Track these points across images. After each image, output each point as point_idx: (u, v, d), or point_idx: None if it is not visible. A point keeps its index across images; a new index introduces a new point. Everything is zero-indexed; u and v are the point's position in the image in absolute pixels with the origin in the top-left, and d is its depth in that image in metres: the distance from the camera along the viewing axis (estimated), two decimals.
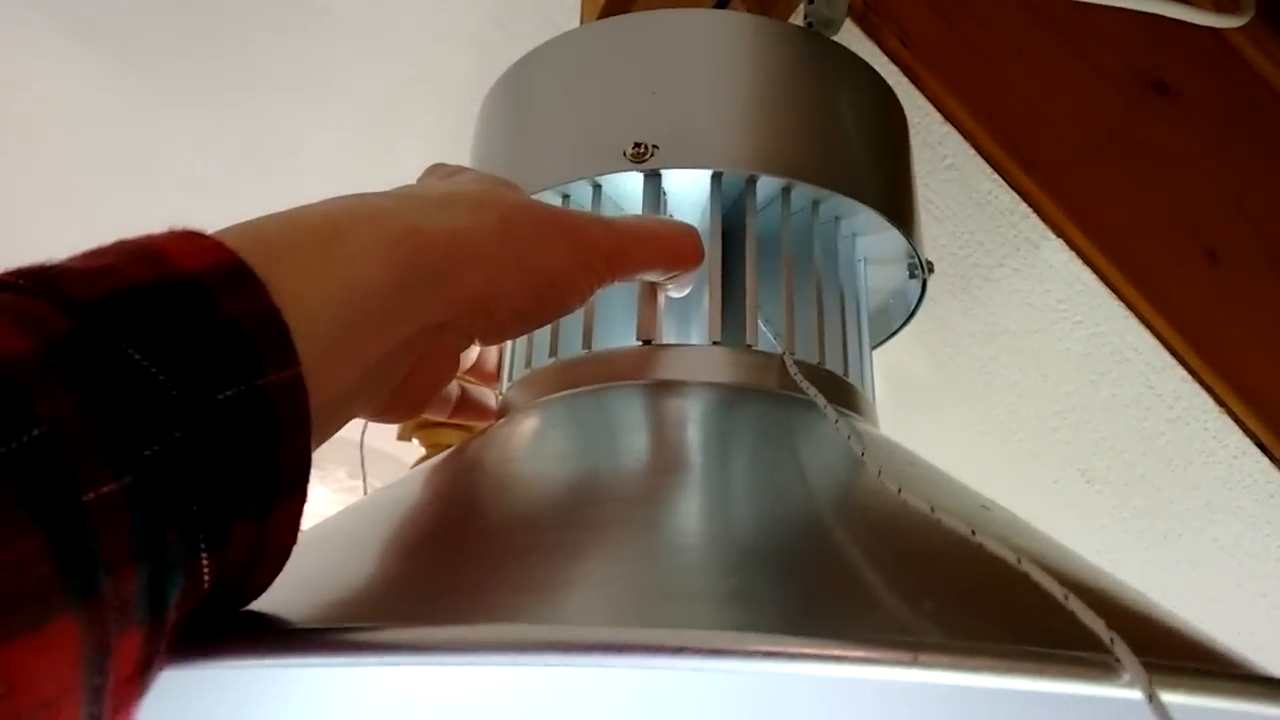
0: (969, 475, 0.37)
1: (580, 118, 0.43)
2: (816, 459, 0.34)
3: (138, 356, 0.20)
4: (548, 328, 0.40)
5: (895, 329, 0.52)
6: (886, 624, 0.23)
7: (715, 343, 0.39)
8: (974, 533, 0.25)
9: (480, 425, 0.44)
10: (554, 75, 0.45)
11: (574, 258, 0.33)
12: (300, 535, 0.25)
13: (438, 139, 0.97)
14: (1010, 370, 0.90)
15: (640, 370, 0.39)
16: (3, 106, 1.04)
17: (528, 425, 0.39)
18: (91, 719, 0.18)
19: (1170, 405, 0.83)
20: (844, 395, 0.41)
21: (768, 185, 0.42)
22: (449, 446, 0.60)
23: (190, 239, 0.23)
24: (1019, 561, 0.23)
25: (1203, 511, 0.90)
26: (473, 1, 0.84)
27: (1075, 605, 0.21)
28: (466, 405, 0.43)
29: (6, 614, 0.16)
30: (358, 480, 0.86)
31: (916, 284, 0.48)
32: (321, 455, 0.27)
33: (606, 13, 0.58)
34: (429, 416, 0.40)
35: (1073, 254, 0.76)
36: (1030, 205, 0.75)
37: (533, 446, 0.37)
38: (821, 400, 0.35)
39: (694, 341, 0.42)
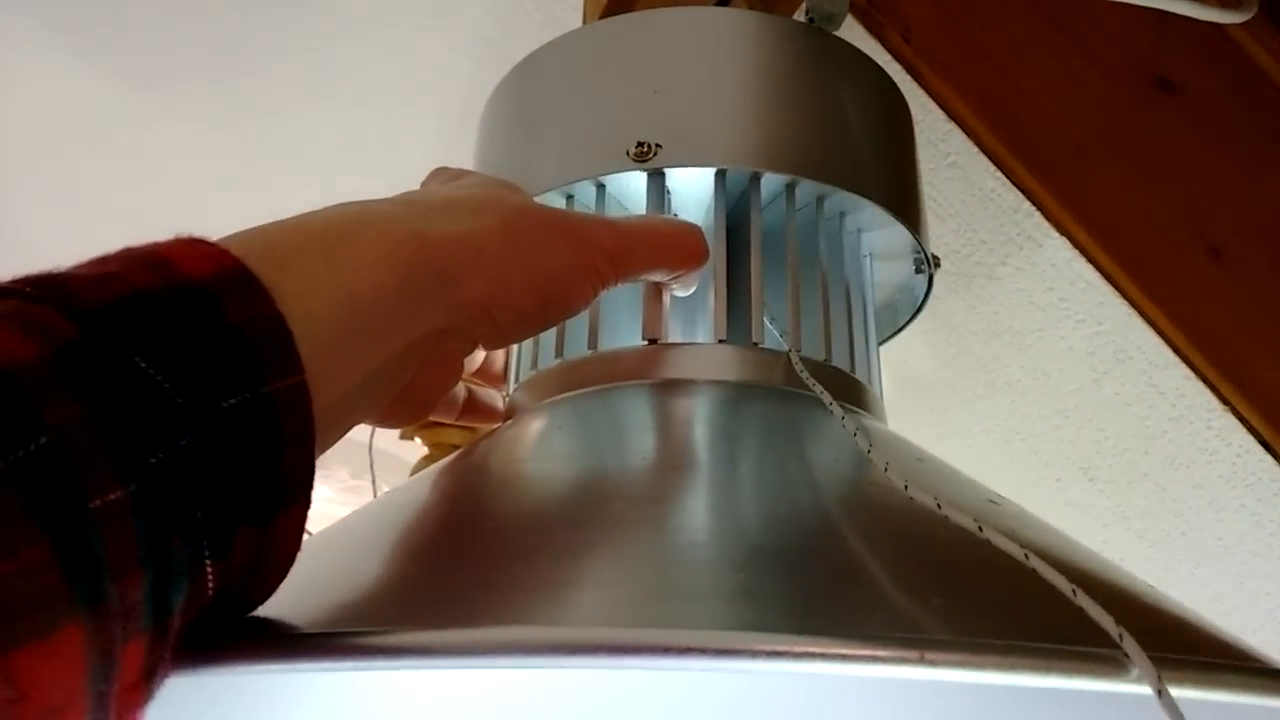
0: (971, 473, 0.37)
1: (583, 117, 0.43)
2: (823, 456, 0.34)
3: (143, 364, 0.20)
4: (553, 329, 0.40)
5: (902, 324, 0.52)
6: (894, 621, 0.23)
7: (721, 341, 0.39)
8: (981, 528, 0.25)
9: (487, 427, 0.44)
10: (557, 75, 0.45)
11: (578, 260, 0.33)
12: (308, 538, 0.25)
13: (441, 138, 0.97)
14: (1013, 368, 0.89)
15: (646, 370, 0.39)
16: (2, 107, 1.04)
17: (534, 426, 0.39)
18: None
19: (1173, 403, 0.83)
20: (851, 392, 0.41)
21: (772, 182, 0.42)
22: (452, 445, 0.60)
23: (195, 245, 0.23)
24: (1026, 557, 0.23)
25: (1206, 510, 0.90)
26: (475, 1, 0.84)
27: (1083, 601, 0.21)
28: (473, 407, 0.43)
29: (14, 621, 0.16)
30: (361, 480, 0.86)
31: (923, 279, 0.48)
32: (325, 455, 0.27)
33: (609, 11, 0.58)
34: (435, 418, 0.40)
35: (1076, 252, 0.76)
36: (1033, 203, 0.75)
37: (540, 447, 0.37)
38: (828, 397, 0.35)
39: (700, 340, 0.42)
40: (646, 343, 0.39)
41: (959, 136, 0.74)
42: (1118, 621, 0.20)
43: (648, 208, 0.41)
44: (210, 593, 0.22)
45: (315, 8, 0.87)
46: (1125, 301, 0.76)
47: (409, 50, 0.89)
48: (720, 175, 0.41)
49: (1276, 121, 0.67)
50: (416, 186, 0.37)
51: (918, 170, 0.48)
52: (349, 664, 0.22)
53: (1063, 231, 0.75)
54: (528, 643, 0.21)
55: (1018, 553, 0.23)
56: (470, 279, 0.29)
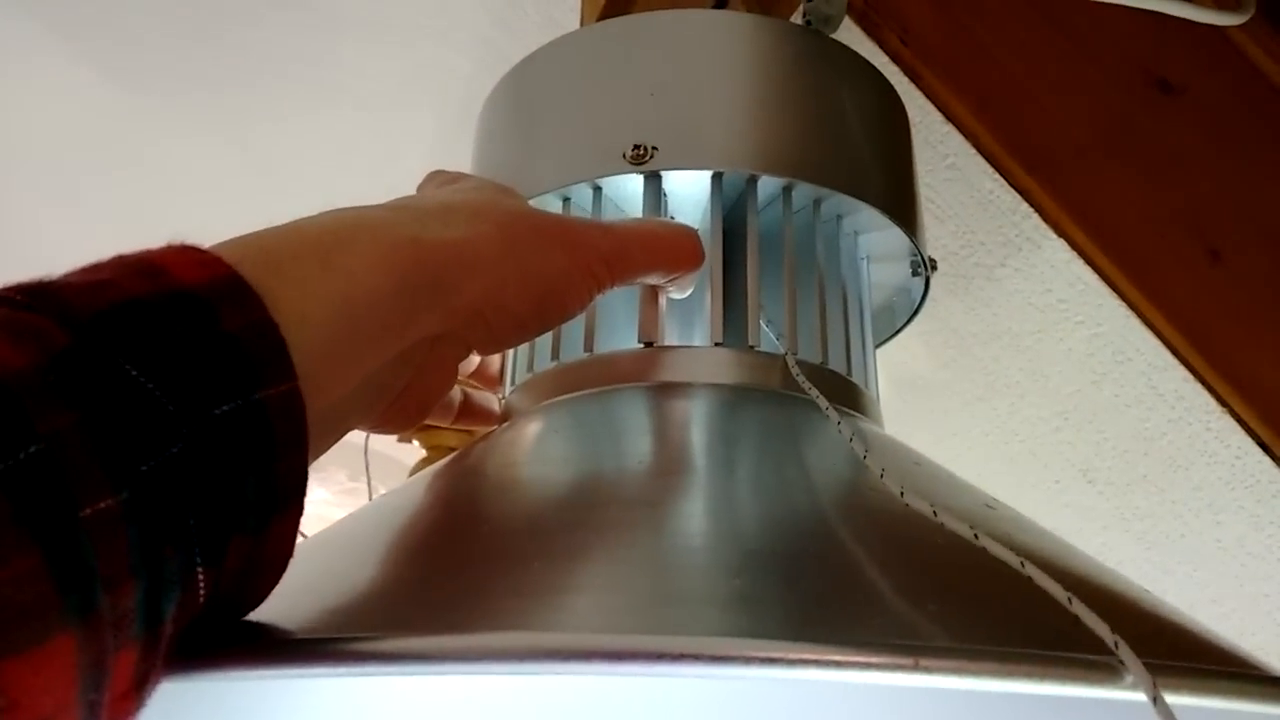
0: (971, 475, 0.37)
1: (580, 120, 0.43)
2: (820, 460, 0.34)
3: (135, 372, 0.20)
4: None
5: (899, 327, 0.52)
6: (890, 627, 0.23)
7: (717, 344, 0.39)
8: (977, 535, 0.25)
9: (483, 429, 0.44)
10: (554, 77, 0.45)
11: (573, 264, 0.33)
12: (303, 542, 0.24)
13: (439, 139, 0.97)
14: (1012, 370, 0.89)
15: (643, 372, 0.39)
16: (5, 110, 1.04)
17: (530, 429, 0.39)
18: None
19: (1172, 405, 0.83)
20: (847, 395, 0.41)
21: (768, 185, 0.42)
22: (449, 447, 0.60)
23: (189, 253, 0.23)
24: (1022, 565, 0.23)
25: (1205, 512, 0.90)
26: (475, 2, 0.84)
27: (1079, 608, 0.21)
28: (469, 410, 0.43)
29: (6, 630, 0.16)
30: (358, 483, 0.86)
31: (920, 281, 0.48)
32: (321, 458, 0.27)
33: (607, 13, 0.58)
34: (431, 421, 0.40)
35: (1075, 253, 0.76)
36: (1032, 204, 0.75)
37: (536, 450, 0.37)
38: (824, 402, 0.35)
39: (696, 343, 0.42)
40: (643, 345, 0.39)
41: (957, 138, 0.74)
42: (1113, 629, 0.20)
43: (644, 210, 0.41)
44: (202, 600, 0.22)
45: (315, 11, 0.87)
46: (1124, 303, 0.76)
47: (408, 52, 0.90)
48: (717, 178, 0.41)
49: (1275, 122, 0.67)
50: (415, 189, 0.37)
51: (915, 173, 0.48)
52: (345, 670, 0.22)
53: (1061, 233, 0.75)
54: (524, 649, 0.21)
55: (1013, 560, 0.23)
56: (466, 285, 0.29)
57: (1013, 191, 0.75)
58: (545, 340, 0.41)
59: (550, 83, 0.45)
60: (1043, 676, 0.19)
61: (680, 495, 0.31)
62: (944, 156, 0.76)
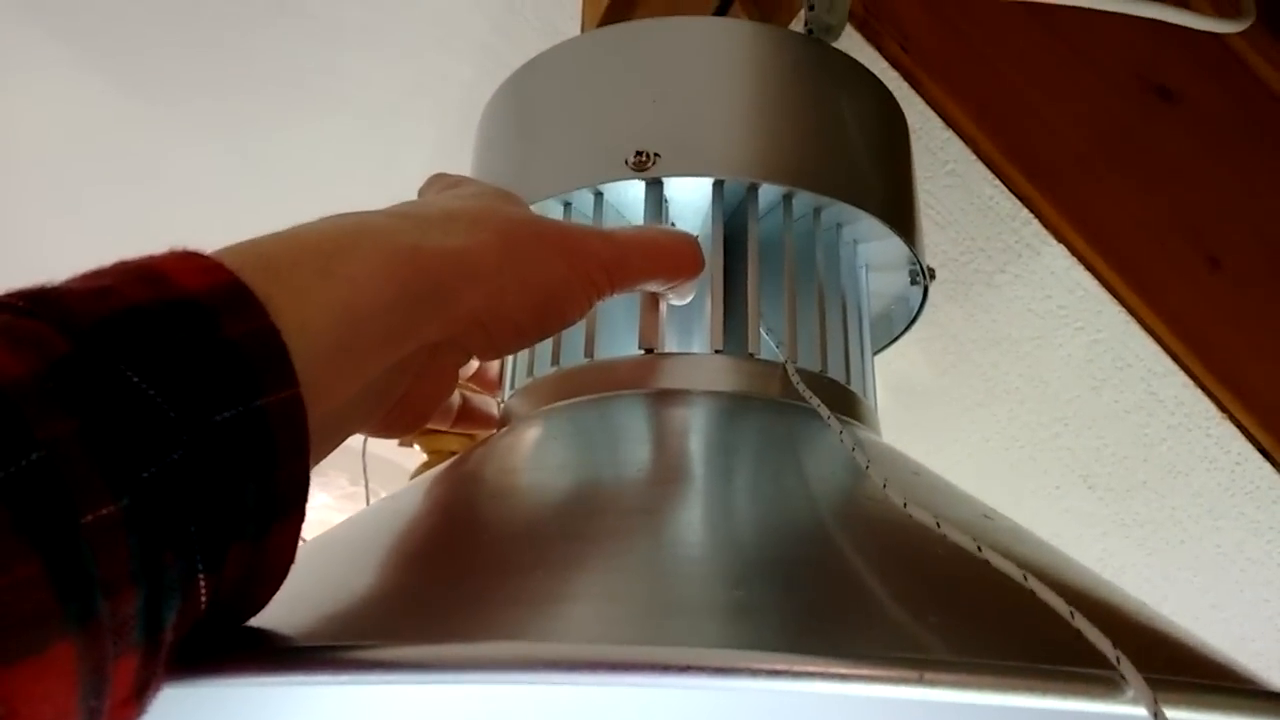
0: (970, 481, 0.37)
1: (582, 126, 0.43)
2: (820, 469, 0.34)
3: (136, 379, 0.20)
4: None
5: (897, 335, 0.52)
6: (892, 639, 0.23)
7: (717, 351, 0.39)
8: (980, 548, 0.24)
9: (482, 433, 0.44)
10: (555, 83, 0.45)
11: (573, 272, 0.33)
12: (301, 546, 0.24)
13: (440, 146, 0.97)
14: (1011, 376, 0.89)
15: (642, 379, 0.39)
16: (4, 114, 1.04)
17: (530, 435, 0.38)
18: None
19: (1172, 411, 0.83)
20: (846, 403, 0.41)
21: (769, 193, 0.42)
22: (450, 452, 0.60)
23: (190, 259, 0.23)
24: (1025, 578, 0.23)
25: (1205, 518, 0.90)
26: (475, 8, 0.84)
27: (1081, 623, 0.21)
28: (468, 414, 0.43)
29: (5, 638, 0.16)
30: (359, 487, 0.86)
31: (918, 290, 0.48)
32: (324, 462, 0.27)
33: (607, 20, 0.58)
34: (430, 426, 0.39)
35: (1074, 260, 0.76)
36: (1032, 211, 0.75)
37: (535, 456, 0.37)
38: (825, 411, 0.35)
39: (696, 350, 0.42)
40: (643, 352, 0.39)
41: (957, 144, 0.74)
42: (1115, 644, 0.20)
43: (645, 217, 0.41)
44: (203, 606, 0.21)
45: (316, 18, 0.87)
46: (1124, 309, 0.76)
47: (409, 59, 0.90)
48: (718, 185, 0.41)
49: (1275, 129, 0.67)
50: (416, 194, 0.37)
51: (914, 182, 0.48)
52: (345, 678, 0.22)
53: (1061, 239, 0.75)
54: (525, 659, 0.21)
55: (1016, 573, 0.23)
56: (466, 293, 0.29)
57: (1012, 198, 0.75)
58: (545, 345, 0.41)
59: (551, 88, 0.45)
60: (1045, 691, 0.19)
61: (679, 504, 0.31)
62: (944, 163, 0.76)
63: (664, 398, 0.38)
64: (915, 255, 0.45)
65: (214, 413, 0.21)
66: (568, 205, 0.43)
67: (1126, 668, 0.19)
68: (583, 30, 0.64)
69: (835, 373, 0.41)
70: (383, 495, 0.42)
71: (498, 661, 0.21)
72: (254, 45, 0.91)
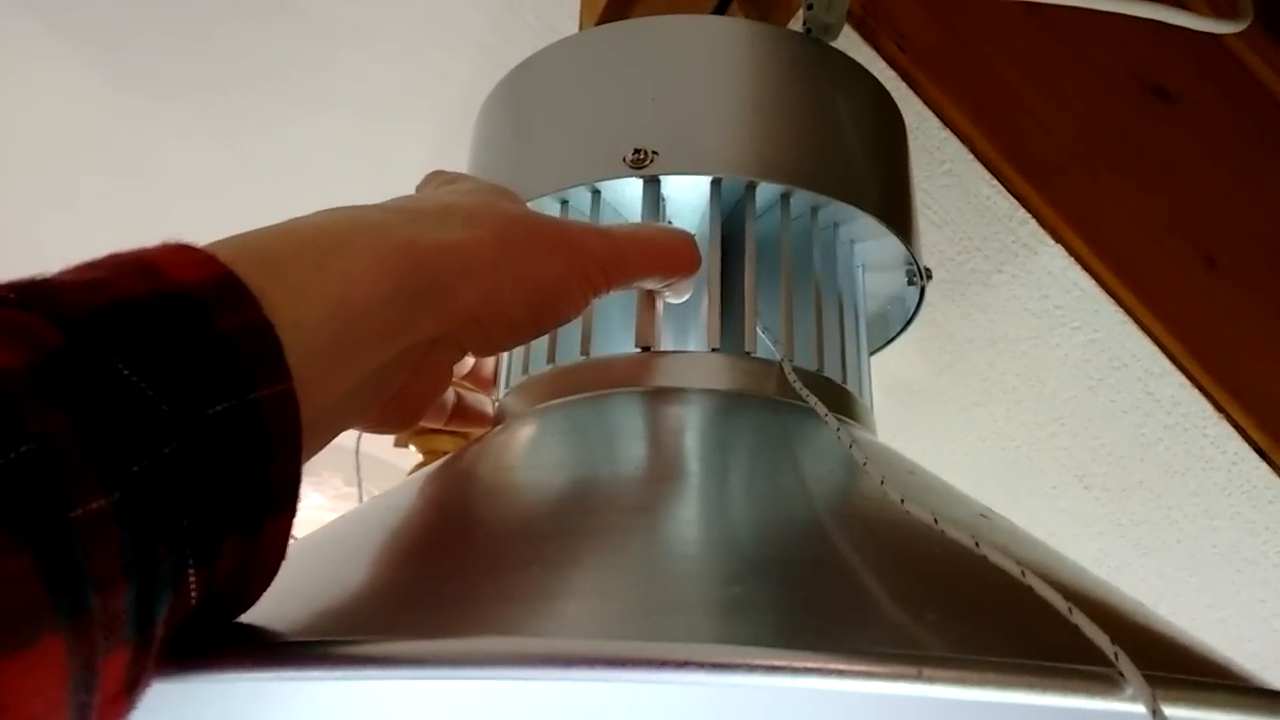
0: (967, 481, 0.37)
1: (580, 123, 0.42)
2: (816, 467, 0.34)
3: (128, 372, 0.20)
4: None
5: (893, 335, 0.52)
6: (889, 636, 0.23)
7: (714, 349, 0.39)
8: (978, 544, 0.24)
9: (477, 431, 0.44)
10: (553, 81, 0.45)
11: (570, 269, 0.32)
12: (293, 543, 0.24)
13: (437, 144, 0.97)
14: (1008, 376, 0.89)
15: (638, 377, 0.39)
16: (4, 111, 1.04)
17: (525, 432, 0.38)
18: None
19: (1169, 411, 0.83)
20: (842, 402, 0.41)
21: (767, 191, 0.41)
22: (445, 451, 0.59)
23: (184, 252, 0.23)
24: (1023, 574, 0.23)
25: (1201, 518, 0.90)
26: (472, 6, 0.84)
27: (1079, 619, 0.21)
28: (462, 412, 0.43)
29: None
30: (353, 487, 0.86)
31: (915, 291, 0.48)
32: (317, 462, 0.27)
33: (605, 18, 0.58)
34: (424, 423, 0.39)
35: (1071, 260, 0.76)
36: (1029, 210, 0.75)
37: (530, 454, 0.37)
38: (822, 409, 0.35)
39: (692, 348, 0.42)
40: (639, 350, 0.39)
41: (954, 144, 0.74)
42: (1112, 640, 0.20)
43: (643, 214, 0.41)
44: (194, 601, 0.21)
45: (313, 15, 0.87)
46: (1120, 309, 0.76)
47: (406, 56, 0.89)
48: (716, 184, 0.41)
49: (1272, 130, 0.67)
50: (413, 190, 0.37)
51: (911, 182, 0.48)
52: (337, 673, 0.22)
53: (1058, 239, 0.75)
54: (522, 654, 0.21)
55: (1014, 570, 0.23)
56: (462, 289, 0.29)
57: (1009, 198, 0.75)
58: (541, 343, 0.41)
59: (549, 86, 0.45)
60: (1044, 688, 0.19)
61: (675, 501, 0.31)
62: (941, 163, 0.76)
63: (660, 396, 0.38)
64: (912, 255, 0.45)
65: (207, 406, 0.21)
66: (565, 203, 0.42)
67: (1125, 664, 0.19)
68: (580, 28, 0.64)
69: (832, 372, 0.41)
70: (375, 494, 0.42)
71: (495, 657, 0.21)
72: (250, 41, 0.91)
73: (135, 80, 0.97)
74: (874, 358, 0.51)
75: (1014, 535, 0.32)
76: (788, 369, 0.38)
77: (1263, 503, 0.86)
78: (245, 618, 0.24)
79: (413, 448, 0.77)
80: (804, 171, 0.41)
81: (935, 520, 0.26)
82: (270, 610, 0.24)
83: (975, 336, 0.87)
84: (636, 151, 0.40)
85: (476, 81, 0.88)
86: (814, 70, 0.44)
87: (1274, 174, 0.68)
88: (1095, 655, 0.20)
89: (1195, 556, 0.94)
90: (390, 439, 0.74)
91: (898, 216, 0.44)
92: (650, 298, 0.40)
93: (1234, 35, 0.63)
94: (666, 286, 0.38)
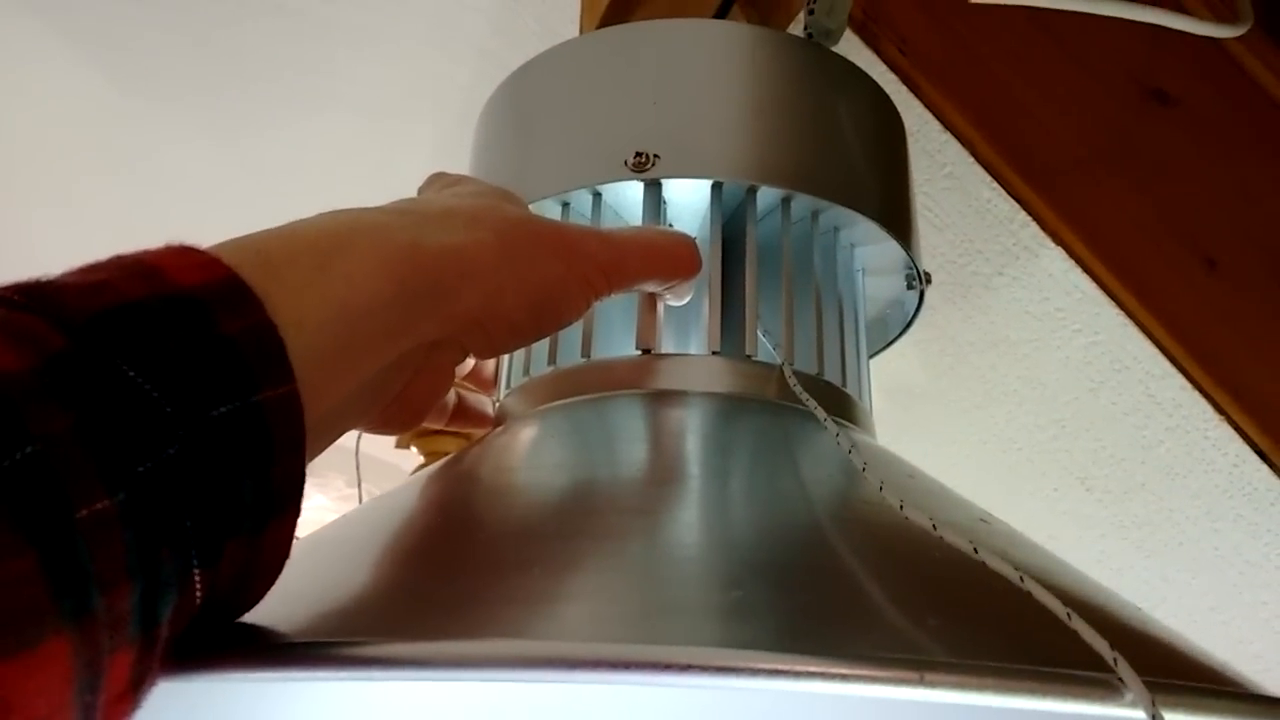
0: (968, 483, 0.37)
1: (581, 126, 0.43)
2: (816, 471, 0.34)
3: (132, 373, 0.20)
4: None
5: (892, 339, 0.52)
6: (890, 641, 0.23)
7: (714, 352, 0.39)
8: (976, 550, 0.24)
9: (478, 432, 0.44)
10: (554, 84, 0.45)
11: (571, 273, 0.33)
12: (296, 544, 0.24)
13: (438, 146, 0.97)
14: (1009, 379, 0.89)
15: (639, 379, 0.39)
16: (3, 112, 1.04)
17: (526, 434, 0.38)
18: None
19: (1170, 413, 0.83)
20: (842, 406, 0.41)
21: (768, 195, 0.42)
22: (448, 454, 0.59)
23: (186, 254, 0.23)
24: (1022, 580, 0.23)
25: (1203, 520, 0.90)
26: (473, 10, 0.84)
27: (1078, 625, 0.21)
28: (463, 413, 0.43)
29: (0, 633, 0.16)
30: (356, 489, 0.86)
31: (914, 295, 0.48)
32: (320, 463, 0.27)
33: (606, 21, 0.58)
34: (426, 424, 0.39)
35: (1072, 262, 0.76)
36: (1029, 213, 0.75)
37: (531, 456, 0.37)
38: (822, 413, 0.35)
39: (693, 351, 0.42)
40: (640, 352, 0.39)
41: (955, 147, 0.74)
42: (1112, 646, 0.20)
43: (644, 218, 0.41)
44: (198, 602, 0.21)
45: (315, 19, 0.87)
46: (1121, 312, 0.76)
47: (407, 60, 0.90)
48: (717, 187, 0.41)
49: (1271, 133, 0.67)
50: (415, 193, 0.37)
51: (911, 187, 0.48)
52: (340, 674, 0.22)
53: (1059, 242, 0.75)
54: (526, 657, 0.21)
55: (1013, 576, 0.23)
56: (464, 291, 0.29)
57: (1010, 200, 0.75)
58: (542, 344, 0.41)
59: (550, 88, 0.45)
60: (1045, 693, 0.19)
61: (676, 504, 0.31)
62: (942, 165, 0.77)
63: (661, 398, 0.38)
64: (912, 259, 0.45)
65: (210, 408, 0.21)
66: (566, 205, 0.43)
67: (1125, 670, 0.19)
68: (581, 32, 0.64)
69: (831, 375, 0.41)
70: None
71: (500, 659, 0.21)
72: (250, 43, 0.91)
73: (135, 82, 0.97)
74: (875, 360, 0.51)
75: (1013, 540, 0.32)
76: (788, 372, 0.38)
77: (1264, 505, 0.86)
78: (248, 618, 0.24)
79: (414, 449, 0.77)
80: (805, 176, 0.41)
81: (934, 526, 0.26)
82: (273, 611, 0.24)
83: (976, 339, 0.88)
84: (638, 155, 0.40)
85: (477, 84, 0.88)
86: (815, 75, 0.44)
87: (1274, 177, 0.68)
88: (1094, 661, 0.21)
89: (1197, 559, 0.94)
90: (392, 440, 0.74)
91: (898, 221, 0.44)
92: (651, 300, 0.40)
93: (1234, 39, 0.63)
94: (667, 289, 0.38)
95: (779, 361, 0.39)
